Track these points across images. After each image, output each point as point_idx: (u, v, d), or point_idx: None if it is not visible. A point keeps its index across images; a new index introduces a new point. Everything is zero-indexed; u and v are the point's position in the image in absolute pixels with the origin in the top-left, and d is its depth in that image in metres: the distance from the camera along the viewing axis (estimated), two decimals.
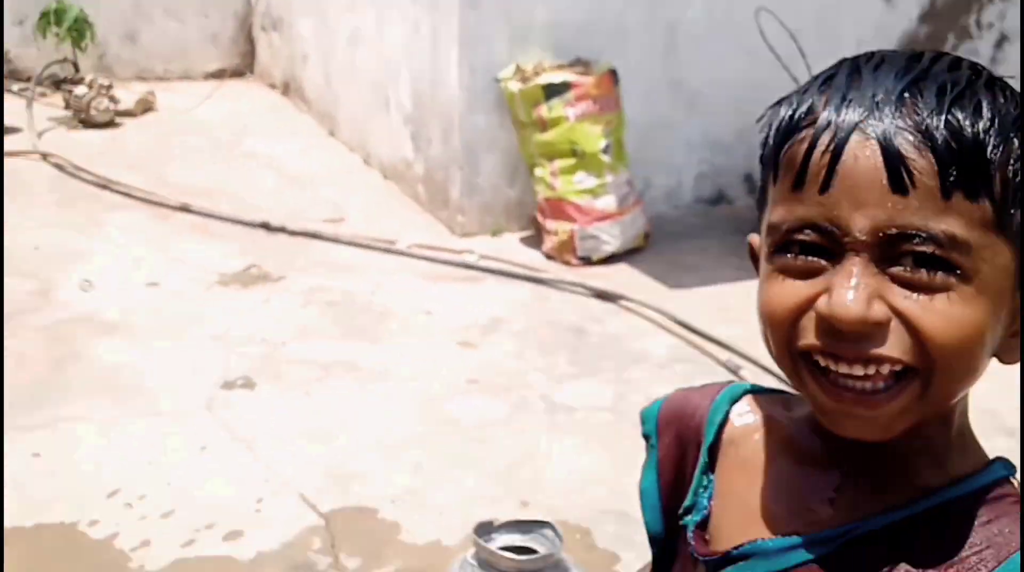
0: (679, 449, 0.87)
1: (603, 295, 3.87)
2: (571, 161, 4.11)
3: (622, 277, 4.06)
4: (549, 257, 4.21)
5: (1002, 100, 0.67)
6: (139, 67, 6.74)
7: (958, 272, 0.65)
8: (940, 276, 0.64)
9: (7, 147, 5.24)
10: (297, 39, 6.34)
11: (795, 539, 0.73)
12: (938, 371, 0.66)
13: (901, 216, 0.64)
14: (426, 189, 4.72)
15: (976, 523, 0.70)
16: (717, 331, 3.54)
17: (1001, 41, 5.33)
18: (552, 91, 4.07)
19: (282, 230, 4.36)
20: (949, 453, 0.73)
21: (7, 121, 5.55)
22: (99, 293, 3.68)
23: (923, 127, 0.64)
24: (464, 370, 3.28)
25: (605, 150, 4.13)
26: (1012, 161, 0.66)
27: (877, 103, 0.66)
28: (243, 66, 7.13)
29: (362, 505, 2.54)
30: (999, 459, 0.75)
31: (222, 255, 4.08)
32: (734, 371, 3.34)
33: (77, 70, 6.06)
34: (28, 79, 6.14)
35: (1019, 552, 0.69)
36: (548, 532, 2.02)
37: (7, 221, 4.34)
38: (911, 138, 0.64)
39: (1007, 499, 0.72)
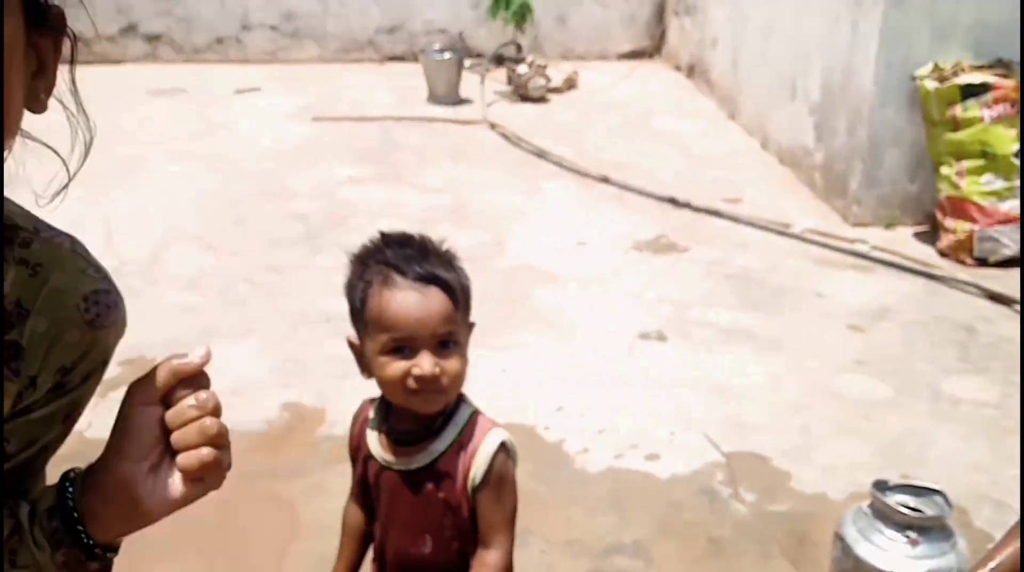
0: None
1: (997, 297, 3.95)
2: (980, 162, 4.18)
3: (1018, 281, 4.08)
4: (943, 254, 4.32)
5: None
6: (565, 47, 7.61)
7: None
8: None
9: (464, 116, 6.28)
10: (709, 24, 6.79)
11: None
12: None
13: None
14: (823, 177, 4.98)
15: None
16: None
17: None
18: (969, 92, 4.15)
19: (687, 206, 4.88)
20: None
21: (464, 93, 6.61)
22: (538, 248, 4.44)
23: None
24: (852, 351, 3.59)
25: (1017, 154, 4.15)
26: None
27: None
28: (652, 48, 7.75)
29: (757, 452, 2.99)
30: None
31: (636, 224, 4.68)
32: None
33: (519, 50, 7.01)
34: (478, 56, 7.21)
35: None
36: (939, 499, 2.27)
37: (467, 180, 5.29)
38: None
39: None
